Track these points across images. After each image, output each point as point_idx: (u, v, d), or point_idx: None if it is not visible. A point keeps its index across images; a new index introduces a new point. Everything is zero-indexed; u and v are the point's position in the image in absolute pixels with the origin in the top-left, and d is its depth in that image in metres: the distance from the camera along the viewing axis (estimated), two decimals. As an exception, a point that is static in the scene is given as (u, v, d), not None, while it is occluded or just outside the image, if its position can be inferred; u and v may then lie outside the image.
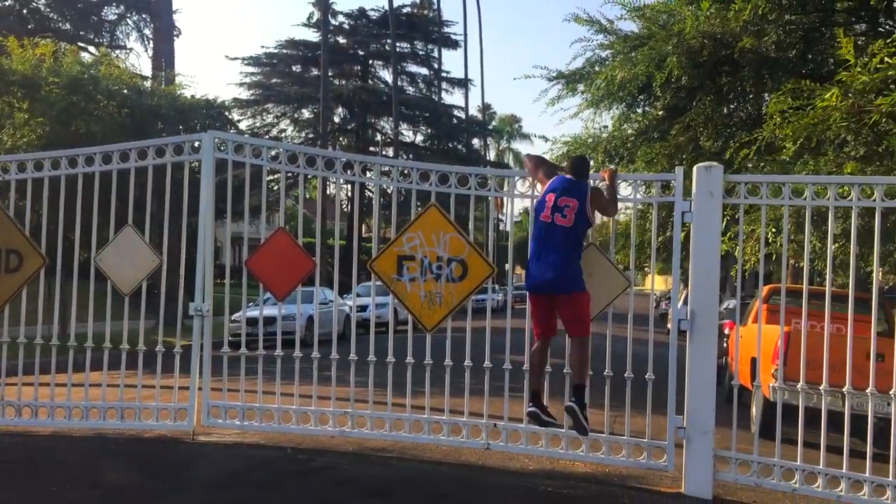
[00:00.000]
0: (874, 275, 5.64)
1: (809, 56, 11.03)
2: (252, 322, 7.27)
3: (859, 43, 9.50)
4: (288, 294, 6.28)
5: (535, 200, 5.88)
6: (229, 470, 5.62)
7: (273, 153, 6.53)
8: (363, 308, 17.50)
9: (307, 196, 41.15)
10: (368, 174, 6.35)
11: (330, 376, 6.21)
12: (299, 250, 6.24)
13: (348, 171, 6.35)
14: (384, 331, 6.61)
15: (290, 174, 6.73)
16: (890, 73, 6.83)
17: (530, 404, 5.76)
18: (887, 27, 10.42)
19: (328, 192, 36.35)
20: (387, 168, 6.50)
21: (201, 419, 6.40)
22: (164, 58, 26.07)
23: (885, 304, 10.36)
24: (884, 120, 7.03)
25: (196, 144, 6.53)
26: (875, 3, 10.49)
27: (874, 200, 5.45)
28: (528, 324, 6.06)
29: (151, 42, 29.06)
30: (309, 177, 6.52)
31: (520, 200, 6.30)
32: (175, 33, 27.69)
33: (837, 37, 8.22)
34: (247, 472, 5.56)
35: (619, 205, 6.03)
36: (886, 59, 6.87)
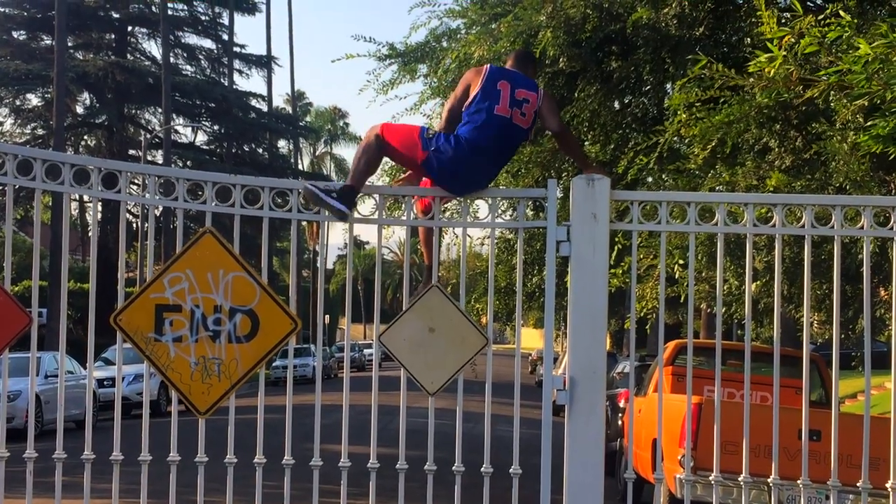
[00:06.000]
0: (805, 324, 5.91)
1: (721, 35, 11.64)
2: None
3: (784, 20, 10.11)
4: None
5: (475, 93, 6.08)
6: None
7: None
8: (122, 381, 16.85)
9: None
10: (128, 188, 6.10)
11: (54, 484, 5.89)
12: (6, 299, 5.89)
13: (83, 185, 6.08)
14: (140, 415, 6.32)
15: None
16: (821, 57, 7.28)
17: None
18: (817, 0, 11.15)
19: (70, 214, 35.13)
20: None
21: None
22: None
23: (821, 365, 10.95)
24: (812, 115, 7.45)
25: None
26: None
27: (802, 226, 5.75)
28: (367, 401, 6.00)
29: None
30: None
31: (343, 225, 6.22)
32: None
33: (756, 9, 8.69)
34: None
35: (475, 232, 6.19)
36: (816, 35, 7.26)
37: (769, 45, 7.29)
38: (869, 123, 6.80)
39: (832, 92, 7.48)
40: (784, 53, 7.23)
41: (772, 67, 7.32)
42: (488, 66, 6.28)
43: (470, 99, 6.11)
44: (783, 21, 9.68)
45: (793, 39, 7.45)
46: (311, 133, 70.16)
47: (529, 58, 6.69)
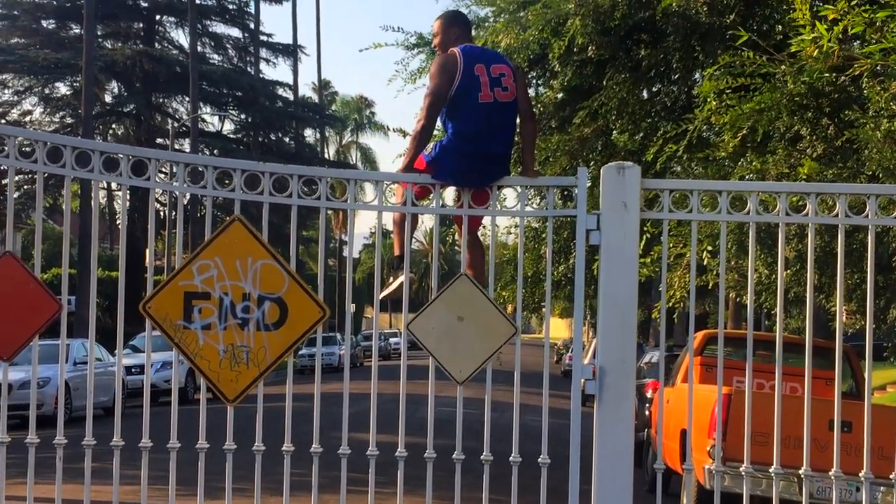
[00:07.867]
0: (838, 315, 5.85)
1: (753, 24, 11.54)
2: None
3: (816, 6, 10.00)
4: (18, 350, 5.94)
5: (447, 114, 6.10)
6: None
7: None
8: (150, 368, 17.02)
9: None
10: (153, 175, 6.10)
11: (83, 471, 5.91)
12: (36, 286, 5.91)
13: (113, 173, 6.09)
14: (170, 402, 6.34)
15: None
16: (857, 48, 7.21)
17: None
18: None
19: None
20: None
21: None
22: None
23: (852, 356, 10.87)
24: (845, 102, 7.35)
25: None
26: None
27: (836, 215, 5.68)
28: (394, 389, 5.98)
29: None
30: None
31: (368, 214, 6.23)
32: None
33: (789, -4, 8.60)
34: None
35: (503, 221, 6.17)
36: (863, 15, 7.11)
37: (818, 23, 7.18)
38: None
39: (866, 79, 7.37)
40: (826, 27, 7.11)
41: (815, 47, 7.20)
42: (460, 51, 6.10)
43: (453, 89, 6.03)
44: (815, 8, 9.58)
45: (827, 26, 7.36)
46: (337, 122, 70.09)
47: (463, 19, 6.55)
